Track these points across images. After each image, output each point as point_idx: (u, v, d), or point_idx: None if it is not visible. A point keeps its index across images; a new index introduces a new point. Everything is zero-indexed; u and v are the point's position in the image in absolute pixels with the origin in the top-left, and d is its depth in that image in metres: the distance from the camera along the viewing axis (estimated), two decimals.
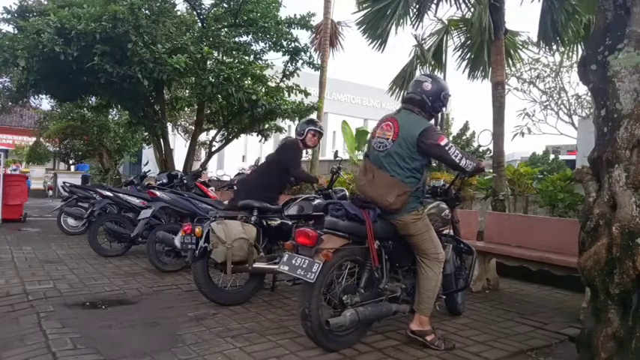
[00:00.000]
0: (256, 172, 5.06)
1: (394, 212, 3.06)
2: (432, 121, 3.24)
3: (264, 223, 4.40)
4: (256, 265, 4.01)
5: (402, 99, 3.30)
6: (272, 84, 9.87)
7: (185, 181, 7.35)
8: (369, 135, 3.67)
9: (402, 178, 3.02)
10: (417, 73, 7.88)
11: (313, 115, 9.72)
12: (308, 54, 10.12)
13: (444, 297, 3.64)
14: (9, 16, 8.56)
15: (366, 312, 2.99)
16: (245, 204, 4.32)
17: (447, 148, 3.02)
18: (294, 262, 2.95)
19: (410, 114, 3.16)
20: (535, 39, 6.96)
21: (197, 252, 3.85)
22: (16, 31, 8.24)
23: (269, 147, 16.79)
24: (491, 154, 6.78)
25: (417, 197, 3.13)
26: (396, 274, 3.35)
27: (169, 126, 13.15)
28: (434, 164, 11.18)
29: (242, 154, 26.07)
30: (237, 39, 10.14)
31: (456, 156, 3.04)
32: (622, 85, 2.49)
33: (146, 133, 13.17)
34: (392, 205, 2.99)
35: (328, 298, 3.03)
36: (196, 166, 11.96)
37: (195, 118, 12.09)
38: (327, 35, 12.88)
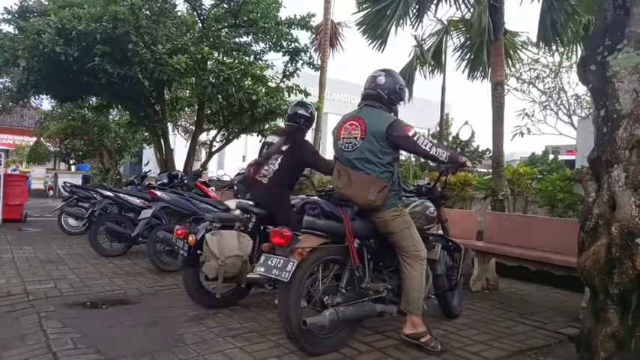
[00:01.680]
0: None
1: (376, 210, 3.03)
2: (393, 114, 3.21)
3: (261, 228, 4.25)
4: (249, 276, 3.81)
5: (361, 96, 3.27)
6: (272, 84, 9.88)
7: (185, 181, 7.36)
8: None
9: (377, 174, 3.01)
10: (417, 74, 7.91)
11: None
12: (308, 54, 10.15)
13: (434, 296, 3.63)
14: (9, 17, 8.57)
15: (346, 312, 2.88)
16: (244, 207, 4.16)
17: (415, 138, 3.00)
18: (269, 262, 2.91)
19: (373, 110, 3.15)
20: (535, 39, 6.98)
21: (187, 259, 3.77)
22: (16, 32, 8.26)
23: None
24: (491, 154, 6.79)
25: (396, 193, 3.11)
26: (380, 274, 3.29)
27: (170, 126, 13.16)
28: (432, 164, 11.15)
29: (242, 154, 26.03)
30: (237, 39, 10.16)
31: (425, 145, 3.02)
32: (621, 86, 2.50)
33: (147, 134, 13.21)
34: (374, 203, 2.96)
35: (312, 305, 2.95)
36: (197, 166, 11.97)
37: (195, 118, 12.11)
38: (327, 36, 12.91)
